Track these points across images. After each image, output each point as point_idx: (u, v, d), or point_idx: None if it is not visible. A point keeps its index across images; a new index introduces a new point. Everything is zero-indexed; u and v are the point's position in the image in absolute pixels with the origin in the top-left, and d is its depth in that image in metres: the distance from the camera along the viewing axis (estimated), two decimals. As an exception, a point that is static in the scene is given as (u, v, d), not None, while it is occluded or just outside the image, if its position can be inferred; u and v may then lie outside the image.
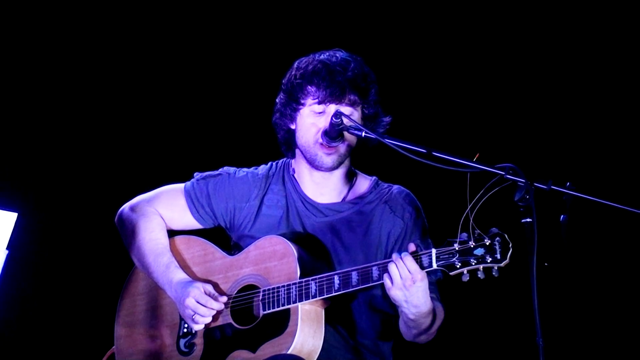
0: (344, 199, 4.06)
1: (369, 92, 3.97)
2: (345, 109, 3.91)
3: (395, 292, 3.61)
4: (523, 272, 3.25)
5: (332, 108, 3.91)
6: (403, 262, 3.58)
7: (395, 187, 4.08)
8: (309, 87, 3.93)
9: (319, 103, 3.92)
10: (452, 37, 5.42)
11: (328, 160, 3.93)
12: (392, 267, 3.60)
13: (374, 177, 4.11)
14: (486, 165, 3.45)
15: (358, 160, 4.12)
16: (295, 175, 4.09)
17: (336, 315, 3.91)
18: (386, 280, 3.63)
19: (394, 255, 3.61)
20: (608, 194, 3.35)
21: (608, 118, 5.19)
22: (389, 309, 3.97)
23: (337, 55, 3.97)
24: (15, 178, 5.37)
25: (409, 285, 3.58)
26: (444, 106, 5.42)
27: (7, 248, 3.26)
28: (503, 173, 3.40)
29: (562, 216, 3.33)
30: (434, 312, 3.77)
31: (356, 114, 3.95)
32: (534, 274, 3.22)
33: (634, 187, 5.01)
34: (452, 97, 5.41)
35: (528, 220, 3.29)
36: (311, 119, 3.94)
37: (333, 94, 3.89)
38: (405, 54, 5.44)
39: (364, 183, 4.09)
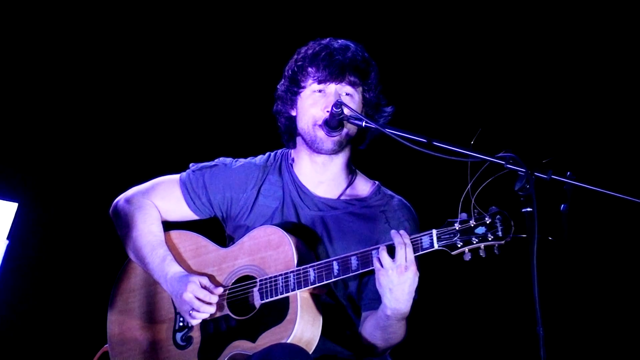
0: (340, 195, 4.05)
1: (369, 74, 3.98)
2: (345, 89, 3.93)
3: (384, 277, 3.61)
4: (523, 261, 3.26)
5: (331, 88, 3.92)
6: (405, 247, 3.59)
7: (397, 198, 4.07)
8: (309, 68, 3.95)
9: (319, 83, 3.93)
10: (449, 25, 5.43)
11: (329, 140, 3.93)
12: (384, 254, 3.61)
13: (377, 183, 4.10)
14: (487, 155, 3.46)
15: (359, 159, 4.13)
16: (294, 165, 4.08)
17: (328, 304, 3.91)
18: (376, 263, 3.63)
19: (397, 239, 3.61)
20: (608, 184, 3.36)
21: (608, 107, 5.21)
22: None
23: (338, 40, 4.01)
24: (16, 168, 5.36)
25: (400, 272, 3.59)
26: (444, 95, 5.43)
27: (7, 238, 3.25)
28: (504, 163, 3.42)
29: (562, 205, 3.34)
30: (405, 323, 3.78)
31: (357, 97, 3.97)
32: (534, 263, 3.24)
33: (635, 176, 5.04)
34: (452, 86, 5.42)
35: (528, 209, 3.30)
36: (311, 100, 3.95)
37: (332, 74, 3.91)
38: (404, 44, 5.45)
39: (364, 185, 4.09)
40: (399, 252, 3.60)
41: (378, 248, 3.66)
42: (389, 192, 4.09)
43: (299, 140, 4.05)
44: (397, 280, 3.61)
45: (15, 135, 5.39)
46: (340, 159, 4.02)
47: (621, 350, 5.14)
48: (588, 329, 5.17)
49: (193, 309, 3.85)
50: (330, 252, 3.95)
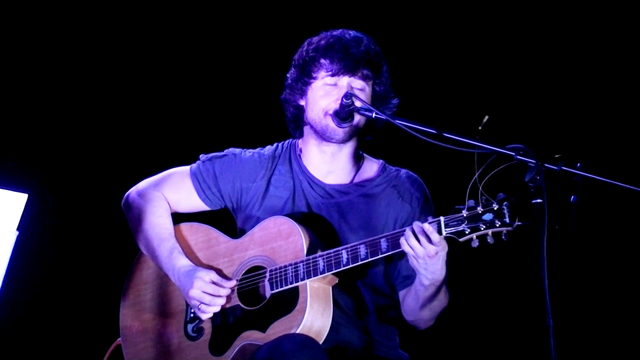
0: (351, 181, 4.05)
1: (381, 68, 3.98)
2: (358, 83, 3.93)
3: (416, 262, 3.63)
4: (533, 252, 3.25)
5: (344, 81, 3.92)
6: (426, 234, 3.58)
7: (404, 171, 4.09)
8: (323, 60, 3.94)
9: (332, 75, 3.93)
10: (459, 17, 5.42)
11: (339, 130, 3.93)
12: (412, 241, 3.59)
13: (381, 161, 4.11)
14: (496, 146, 3.45)
15: (369, 148, 4.14)
16: (301, 155, 4.09)
17: (342, 295, 3.92)
18: (407, 249, 3.60)
19: (416, 227, 3.59)
20: (619, 175, 3.35)
21: (619, 99, 5.20)
22: (389, 291, 4.01)
23: (350, 32, 4.00)
24: (26, 159, 5.38)
25: (432, 256, 3.59)
26: (452, 87, 5.42)
27: (17, 229, 3.25)
28: (513, 154, 3.41)
29: (572, 197, 3.33)
30: (445, 288, 3.79)
31: (367, 90, 3.97)
32: (544, 255, 3.23)
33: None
34: (462, 78, 5.42)
35: (538, 201, 3.29)
36: (323, 92, 3.95)
37: (347, 67, 3.91)
38: (413, 35, 5.44)
39: (371, 166, 4.10)
40: (423, 240, 3.58)
41: (387, 237, 3.68)
42: (394, 167, 4.10)
43: (306, 129, 4.05)
44: (431, 262, 3.62)
45: (25, 126, 5.40)
46: (348, 149, 4.03)
47: (631, 342, 5.14)
48: (598, 321, 5.16)
49: (203, 304, 3.87)
50: (351, 236, 3.94)
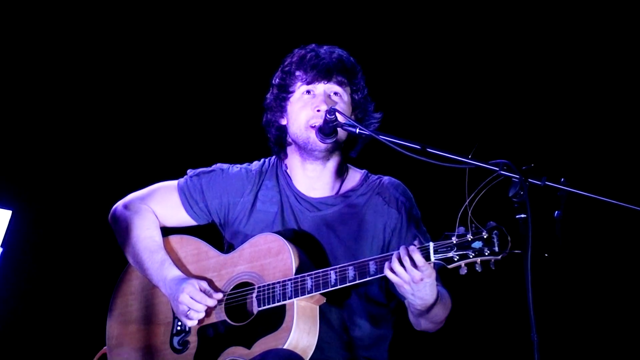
0: (336, 193, 4.06)
1: (356, 74, 4.03)
2: (334, 89, 3.97)
3: (404, 288, 3.62)
4: (517, 268, 3.25)
5: (320, 88, 3.96)
6: (411, 259, 3.58)
7: (386, 178, 4.10)
8: (297, 72, 3.99)
9: (308, 84, 3.97)
10: (444, 31, 5.44)
11: (320, 143, 3.94)
12: (397, 267, 3.59)
13: (364, 170, 4.13)
14: (480, 162, 3.45)
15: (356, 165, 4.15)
16: (287, 171, 4.10)
17: (330, 312, 3.92)
18: (392, 276, 3.61)
19: (401, 251, 3.60)
20: (602, 190, 3.36)
21: (603, 114, 5.21)
22: (384, 300, 4.02)
23: (324, 46, 4.05)
24: (10, 175, 5.38)
25: (417, 282, 3.59)
26: (438, 102, 5.43)
27: (1, 245, 3.26)
28: (497, 169, 3.41)
29: (556, 212, 3.33)
30: (441, 302, 3.78)
31: (345, 97, 4.00)
32: (528, 270, 3.23)
33: (628, 182, 5.03)
34: (447, 93, 5.42)
35: (522, 216, 3.29)
36: (301, 103, 3.98)
37: (320, 73, 3.95)
38: (398, 50, 5.46)
39: (355, 176, 4.11)
40: (408, 264, 3.58)
41: (376, 260, 3.69)
42: (376, 175, 4.12)
43: (290, 149, 4.08)
44: (417, 288, 3.62)
45: (9, 142, 5.41)
46: (332, 164, 4.05)
47: (614, 355, 5.14)
48: (583, 336, 5.16)
49: (190, 310, 3.87)
50: (339, 248, 3.96)
